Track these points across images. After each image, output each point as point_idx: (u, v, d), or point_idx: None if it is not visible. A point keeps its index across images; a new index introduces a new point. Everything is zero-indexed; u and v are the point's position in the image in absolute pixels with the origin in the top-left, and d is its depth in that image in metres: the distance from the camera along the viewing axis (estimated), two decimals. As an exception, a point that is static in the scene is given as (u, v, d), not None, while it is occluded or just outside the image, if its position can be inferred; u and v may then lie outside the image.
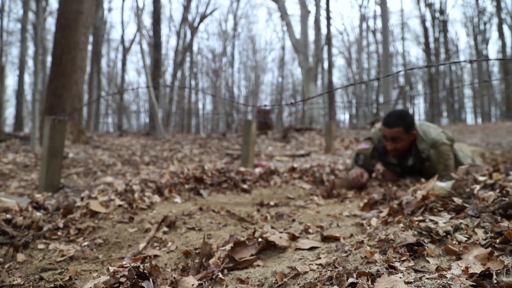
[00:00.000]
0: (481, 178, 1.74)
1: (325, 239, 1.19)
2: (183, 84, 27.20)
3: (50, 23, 20.74)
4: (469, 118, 32.75)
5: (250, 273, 0.96)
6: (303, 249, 1.10)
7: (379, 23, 27.02)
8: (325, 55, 18.91)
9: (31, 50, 18.56)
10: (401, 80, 27.68)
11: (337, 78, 35.16)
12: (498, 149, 6.23)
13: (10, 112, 28.56)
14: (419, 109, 35.25)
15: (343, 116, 37.04)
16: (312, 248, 1.11)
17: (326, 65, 19.34)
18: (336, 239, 1.17)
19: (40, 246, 1.36)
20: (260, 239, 1.12)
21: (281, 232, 1.22)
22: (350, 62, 31.85)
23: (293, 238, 1.18)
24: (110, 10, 26.22)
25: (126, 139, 9.65)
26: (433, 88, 26.46)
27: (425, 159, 2.70)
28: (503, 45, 22.88)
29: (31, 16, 14.67)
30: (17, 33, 21.45)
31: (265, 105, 1.83)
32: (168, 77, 28.35)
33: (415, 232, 1.02)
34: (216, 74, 29.56)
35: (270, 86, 38.29)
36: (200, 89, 30.80)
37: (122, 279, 0.80)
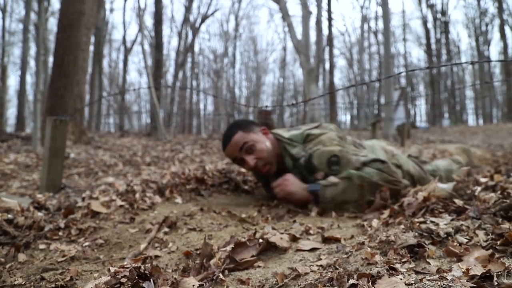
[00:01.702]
0: (482, 180, 1.74)
1: (326, 240, 1.19)
2: (185, 85, 27.23)
3: (52, 23, 20.77)
4: (471, 120, 32.76)
5: (251, 274, 0.96)
6: (304, 250, 1.11)
7: (380, 24, 27.01)
8: (326, 56, 18.93)
9: (33, 50, 18.59)
10: (403, 81, 27.67)
11: (339, 79, 35.18)
12: (499, 151, 6.22)
13: (12, 112, 28.63)
14: (420, 111, 35.25)
15: (344, 117, 37.06)
16: (313, 249, 1.11)
17: (327, 66, 19.36)
18: (337, 240, 1.17)
19: (41, 246, 1.36)
20: (261, 240, 1.12)
21: (282, 233, 1.22)
22: (351, 63, 31.87)
23: (294, 239, 1.18)
24: (112, 10, 26.28)
25: (128, 140, 9.67)
26: (435, 89, 26.46)
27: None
28: (505, 46, 22.87)
29: (33, 16, 14.71)
30: (19, 34, 21.51)
31: (266, 106, 1.84)
32: (169, 77, 28.40)
33: (416, 234, 1.02)
34: (218, 74, 29.60)
35: (271, 87, 38.35)
36: (202, 89, 30.85)
37: (123, 280, 0.80)
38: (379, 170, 1.77)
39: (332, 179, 1.77)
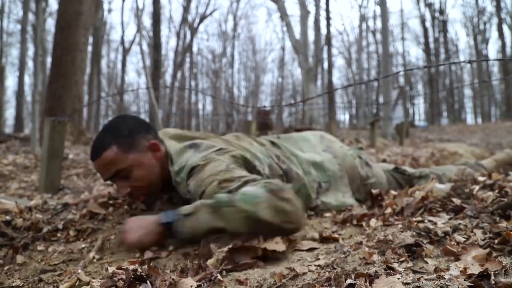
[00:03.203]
0: (480, 178, 1.74)
1: (324, 240, 1.19)
2: (183, 85, 27.23)
3: (50, 24, 20.76)
4: (469, 118, 32.82)
5: (249, 274, 0.96)
6: (302, 250, 1.11)
7: (379, 23, 27.04)
8: (325, 55, 18.94)
9: (31, 51, 18.58)
10: (401, 80, 27.70)
11: (337, 79, 35.20)
12: (498, 149, 6.23)
13: (10, 113, 28.54)
14: (419, 109, 35.30)
15: (343, 117, 37.09)
16: (311, 249, 1.11)
17: (326, 65, 19.36)
18: (335, 240, 1.18)
19: (40, 248, 1.36)
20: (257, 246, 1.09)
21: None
22: (350, 63, 31.89)
23: (289, 241, 1.17)
24: (110, 11, 26.28)
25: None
26: (433, 88, 26.50)
27: None
28: (503, 45, 22.92)
29: (31, 17, 14.69)
30: (17, 34, 21.47)
31: (264, 106, 1.87)
32: (168, 77, 28.39)
33: (414, 233, 1.03)
34: (216, 74, 29.60)
35: (270, 87, 38.35)
36: (200, 90, 30.84)
37: (120, 283, 0.80)
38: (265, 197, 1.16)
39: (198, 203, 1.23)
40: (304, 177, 1.68)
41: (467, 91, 31.69)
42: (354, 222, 1.41)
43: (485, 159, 2.90)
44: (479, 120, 29.69)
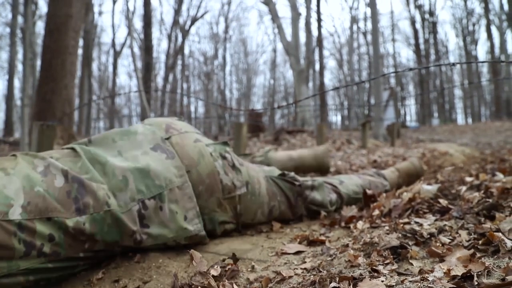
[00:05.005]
0: (468, 179, 1.76)
1: (311, 243, 1.19)
2: (175, 88, 27.14)
3: (40, 27, 20.57)
4: (460, 119, 33.12)
5: (236, 277, 0.96)
6: (289, 254, 1.11)
7: (369, 25, 27.19)
8: (316, 57, 19.00)
9: (20, 54, 18.40)
10: (392, 81, 27.89)
11: (329, 80, 35.29)
12: (488, 149, 6.29)
13: (-1, 117, 28.26)
14: (410, 110, 35.52)
15: (335, 118, 37.22)
16: (297, 252, 1.11)
17: (317, 67, 19.43)
18: (322, 242, 1.18)
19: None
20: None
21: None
22: (341, 64, 32.02)
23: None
24: (100, 13, 26.07)
25: (118, 143, 9.58)
26: (424, 89, 26.71)
27: None
28: (492, 46, 23.18)
29: (20, 20, 14.56)
30: (6, 38, 21.24)
31: (253, 109, 1.85)
32: (159, 80, 28.28)
33: (400, 235, 1.03)
34: (208, 77, 29.55)
35: (262, 89, 38.35)
36: (192, 92, 30.76)
37: None
38: None
39: None
40: (111, 199, 1.10)
41: (458, 92, 32.02)
42: (343, 224, 1.41)
43: (475, 159, 2.84)
44: (470, 120, 29.98)
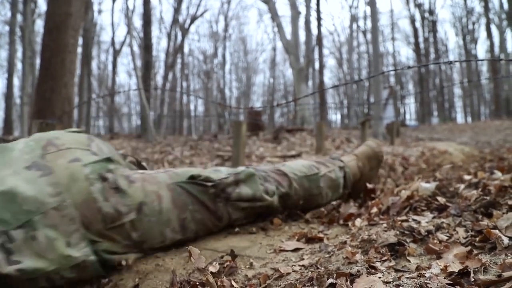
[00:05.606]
0: (466, 177, 1.77)
1: (310, 240, 1.19)
2: (175, 86, 27.13)
3: (39, 25, 20.55)
4: (459, 117, 33.16)
5: (235, 274, 0.97)
6: (287, 251, 1.11)
7: (369, 24, 27.18)
8: (316, 55, 19.00)
9: (20, 52, 18.39)
10: (392, 80, 27.90)
11: (328, 79, 35.28)
12: (487, 148, 6.31)
13: (-1, 115, 28.23)
14: (410, 109, 35.55)
15: (334, 116, 37.25)
16: (296, 250, 1.12)
17: (317, 65, 19.42)
18: (320, 240, 1.18)
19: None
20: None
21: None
22: (341, 63, 32.03)
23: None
24: (100, 12, 26.04)
25: (117, 142, 9.60)
26: (423, 87, 26.71)
27: None
28: (491, 45, 23.20)
29: (19, 18, 14.55)
30: (5, 36, 21.22)
31: (252, 108, 1.83)
32: (159, 79, 28.28)
33: (397, 232, 1.04)
34: (208, 75, 29.56)
35: (261, 87, 38.37)
36: (192, 91, 30.76)
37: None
38: None
39: None
40: None
41: (457, 91, 32.03)
42: (341, 221, 1.42)
43: (474, 157, 2.85)
44: (469, 119, 30.00)
